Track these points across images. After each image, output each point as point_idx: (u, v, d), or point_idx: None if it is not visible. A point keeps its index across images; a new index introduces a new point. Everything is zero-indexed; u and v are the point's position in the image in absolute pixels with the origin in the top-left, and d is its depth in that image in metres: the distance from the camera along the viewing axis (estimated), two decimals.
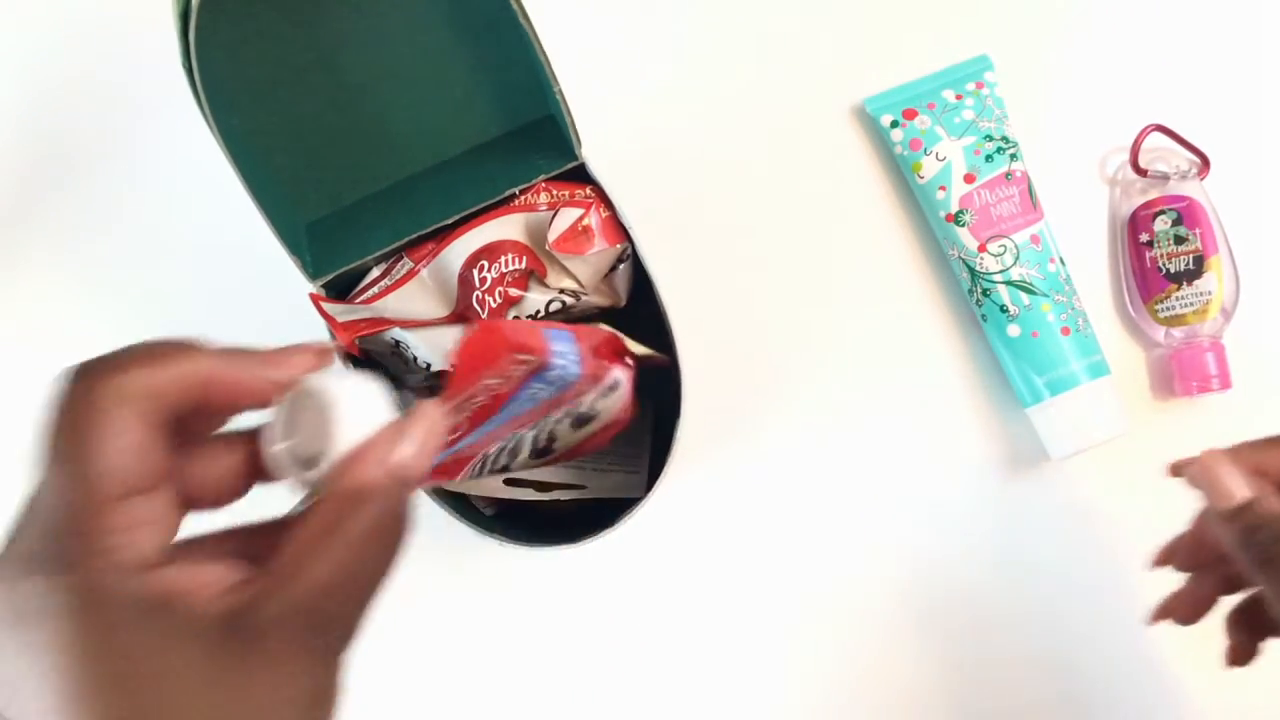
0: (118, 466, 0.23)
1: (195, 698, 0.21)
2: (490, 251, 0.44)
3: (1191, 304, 0.54)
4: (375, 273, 0.46)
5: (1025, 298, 0.54)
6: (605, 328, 0.40)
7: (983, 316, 0.55)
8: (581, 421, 0.40)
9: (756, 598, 0.55)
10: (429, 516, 0.43)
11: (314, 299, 0.45)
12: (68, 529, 0.22)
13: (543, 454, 0.41)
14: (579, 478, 0.49)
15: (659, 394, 0.45)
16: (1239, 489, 0.36)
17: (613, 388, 0.38)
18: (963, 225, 0.55)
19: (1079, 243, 0.57)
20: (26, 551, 0.22)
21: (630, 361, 0.40)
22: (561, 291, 0.45)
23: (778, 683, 0.55)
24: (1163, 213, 0.55)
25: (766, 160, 0.58)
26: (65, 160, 0.59)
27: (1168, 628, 0.42)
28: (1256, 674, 0.40)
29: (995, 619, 0.54)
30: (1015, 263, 0.54)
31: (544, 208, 0.44)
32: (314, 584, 0.23)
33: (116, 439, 0.23)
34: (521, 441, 0.39)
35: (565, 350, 0.36)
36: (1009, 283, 0.54)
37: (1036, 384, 0.54)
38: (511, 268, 0.44)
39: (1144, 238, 0.55)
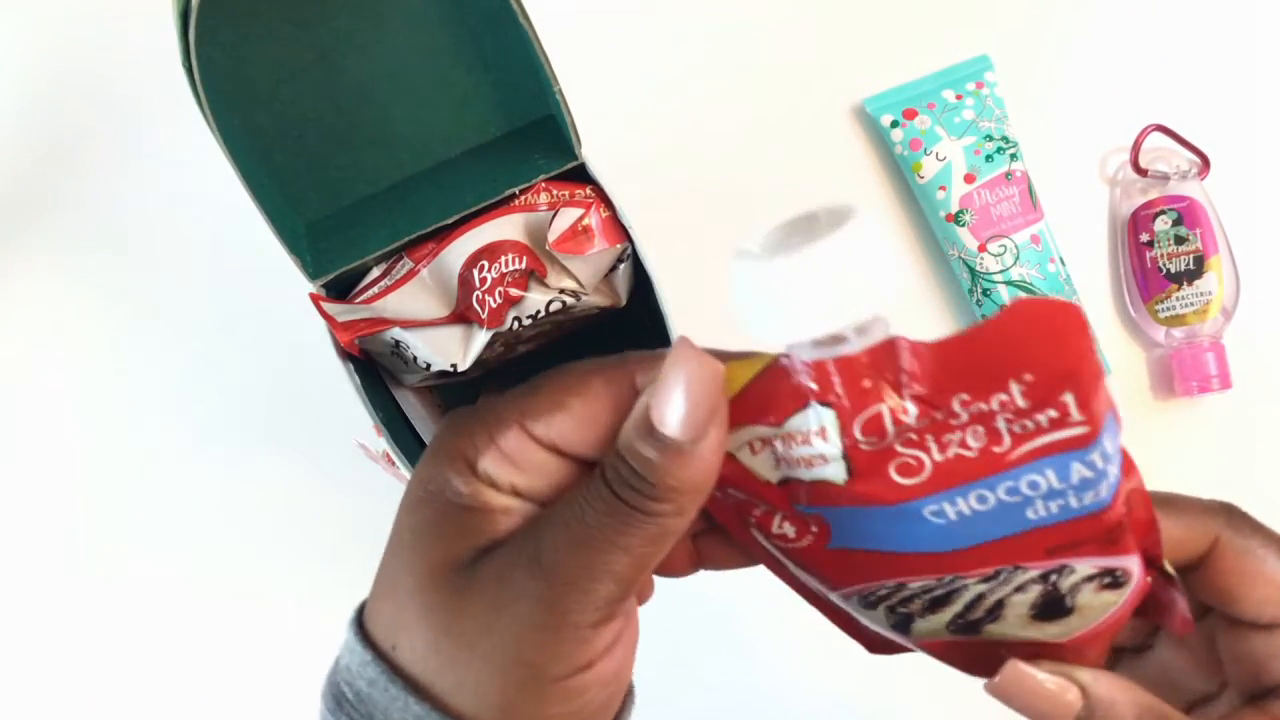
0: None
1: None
2: (490, 251, 0.44)
3: (1191, 304, 0.54)
4: (375, 273, 0.46)
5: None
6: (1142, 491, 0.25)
7: (983, 316, 0.55)
8: (1048, 609, 0.25)
9: (760, 598, 0.55)
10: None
11: (314, 299, 0.45)
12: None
13: (966, 628, 0.26)
14: None
15: None
16: (1064, 705, 0.25)
17: (1116, 580, 0.25)
18: (963, 225, 0.55)
19: (1079, 243, 0.57)
20: None
21: (1157, 572, 0.26)
22: (561, 291, 0.45)
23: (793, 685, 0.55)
24: (1163, 213, 0.55)
25: (767, 160, 0.58)
26: (64, 160, 0.59)
27: None
28: None
29: None
30: (1015, 263, 0.54)
31: (544, 208, 0.44)
32: (542, 544, 0.23)
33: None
34: (958, 593, 0.25)
35: (1113, 449, 0.23)
36: (1009, 283, 0.54)
37: None
38: (511, 268, 0.44)
39: (1144, 238, 0.55)
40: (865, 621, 0.27)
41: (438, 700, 0.24)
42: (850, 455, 0.22)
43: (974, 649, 0.26)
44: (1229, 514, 0.26)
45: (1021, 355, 0.21)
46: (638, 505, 0.23)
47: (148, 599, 0.58)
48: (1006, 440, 0.22)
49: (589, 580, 0.23)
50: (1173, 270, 0.55)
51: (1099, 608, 0.25)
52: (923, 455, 0.22)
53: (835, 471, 0.23)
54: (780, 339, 0.22)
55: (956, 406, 0.22)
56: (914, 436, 0.22)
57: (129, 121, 0.59)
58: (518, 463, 0.24)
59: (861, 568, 0.25)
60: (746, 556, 0.28)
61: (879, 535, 0.24)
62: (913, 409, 0.22)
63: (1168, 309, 0.55)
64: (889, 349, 0.22)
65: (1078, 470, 0.22)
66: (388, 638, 0.25)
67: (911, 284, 0.58)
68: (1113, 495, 0.23)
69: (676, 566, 0.29)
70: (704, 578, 0.30)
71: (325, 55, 0.44)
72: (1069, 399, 0.21)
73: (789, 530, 0.25)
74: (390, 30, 0.44)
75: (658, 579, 0.29)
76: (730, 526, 0.26)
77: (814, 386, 0.22)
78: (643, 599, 0.29)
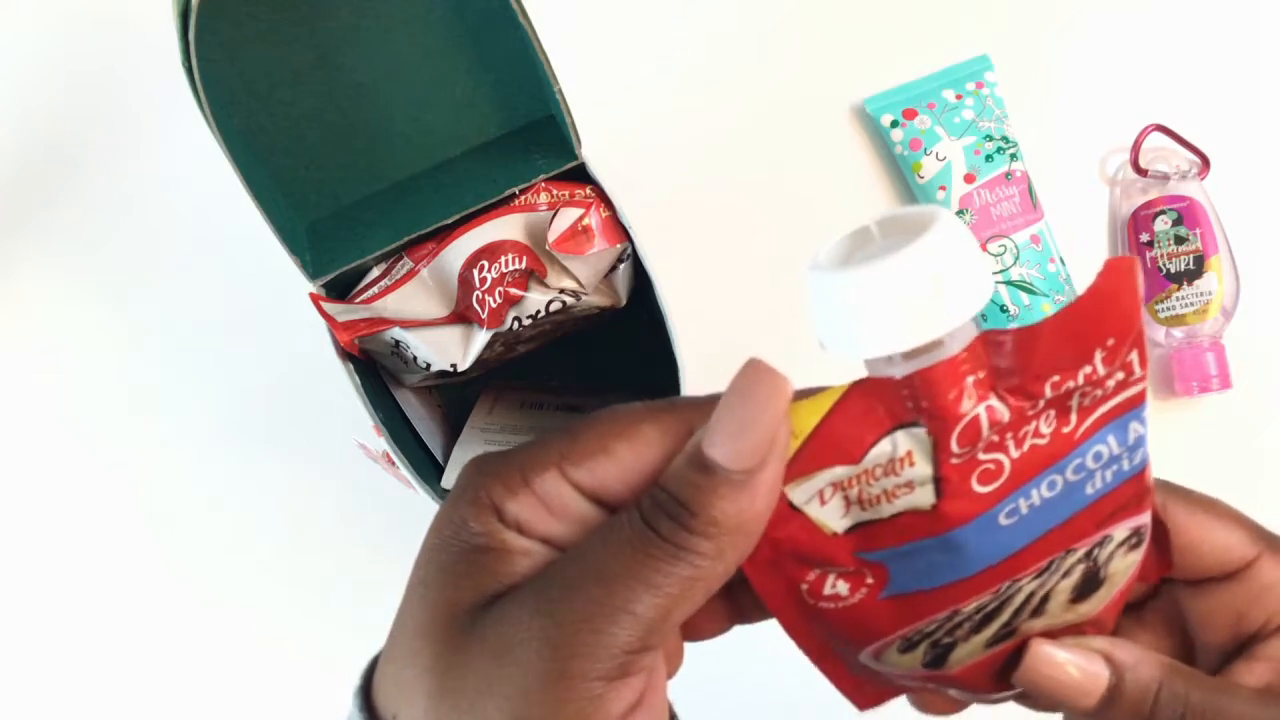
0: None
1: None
2: (490, 251, 0.44)
3: (1192, 304, 0.54)
4: (375, 273, 0.46)
5: (1025, 298, 0.54)
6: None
7: (983, 316, 0.55)
8: (1086, 587, 0.24)
9: None
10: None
11: (314, 299, 0.45)
12: None
13: (1006, 635, 0.25)
14: None
15: (659, 394, 0.45)
16: (1092, 676, 0.24)
17: (1140, 539, 0.24)
18: None
19: (1079, 243, 0.57)
20: None
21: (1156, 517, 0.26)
22: (561, 291, 0.45)
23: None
24: (1163, 213, 0.55)
25: (767, 160, 0.58)
26: (65, 161, 0.59)
27: None
28: None
29: None
30: (1015, 263, 0.54)
31: (544, 208, 0.44)
32: (548, 586, 0.21)
33: None
34: (1010, 600, 0.24)
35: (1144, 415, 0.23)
36: (1009, 283, 0.54)
37: None
38: (511, 268, 0.44)
39: (1144, 238, 0.55)
40: (885, 670, 0.26)
41: None
42: (942, 474, 0.21)
43: (995, 661, 0.26)
44: (1167, 486, 0.26)
45: (1109, 319, 0.20)
46: (670, 536, 0.20)
47: (146, 598, 0.58)
48: (1074, 417, 0.21)
49: (604, 620, 0.19)
50: (1173, 270, 0.55)
51: (1123, 571, 0.24)
52: (1001, 457, 0.21)
53: (923, 497, 0.21)
54: (875, 352, 0.21)
55: (1049, 391, 0.21)
56: (995, 438, 0.21)
57: (129, 121, 0.59)
58: (552, 509, 0.21)
59: (915, 609, 0.23)
60: (775, 616, 0.25)
61: (948, 565, 0.22)
62: (1003, 406, 0.21)
63: (1168, 309, 0.55)
64: (980, 346, 0.20)
65: (1134, 429, 0.22)
66: (389, 707, 0.22)
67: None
68: (1148, 450, 0.23)
69: (710, 625, 0.26)
70: None
71: (325, 55, 0.44)
72: (1134, 356, 0.21)
73: (842, 589, 0.23)
74: (390, 30, 0.44)
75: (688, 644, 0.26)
76: (774, 601, 0.24)
77: (907, 404, 0.21)
78: (670, 670, 0.25)
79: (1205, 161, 0.55)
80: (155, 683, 0.58)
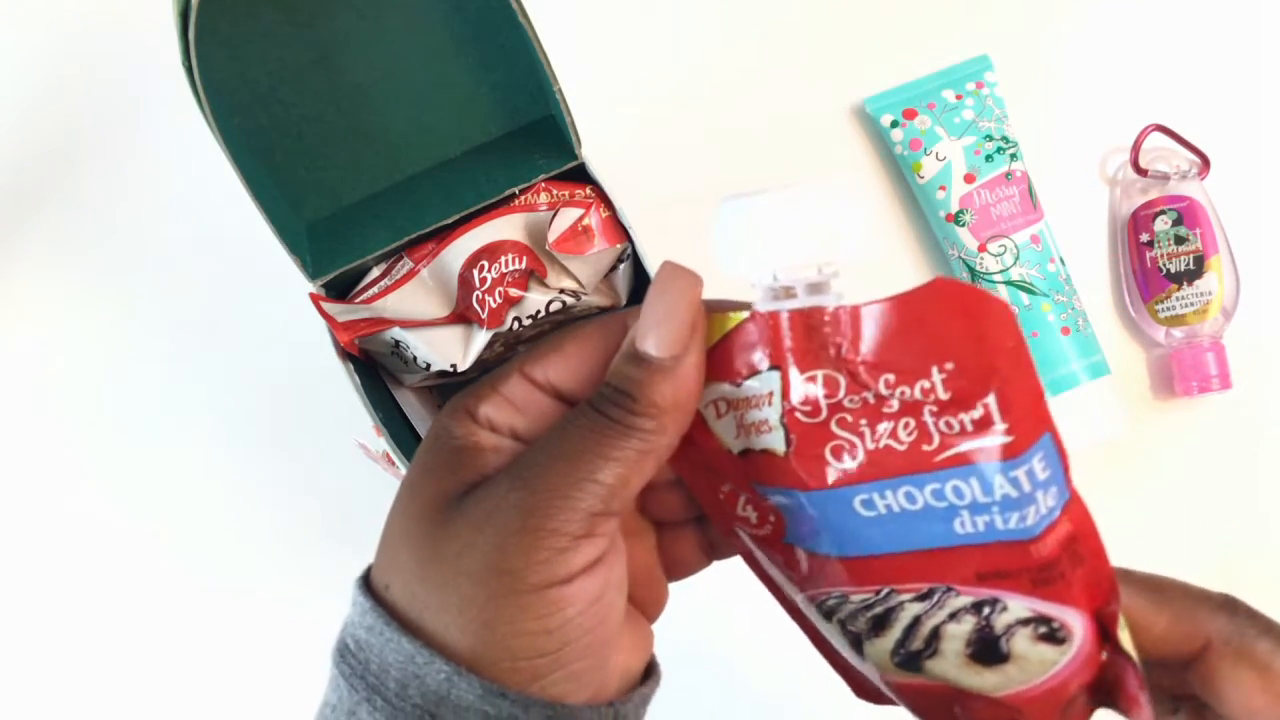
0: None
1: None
2: (490, 251, 0.44)
3: (1192, 304, 0.54)
4: (375, 273, 0.46)
5: (1025, 298, 0.54)
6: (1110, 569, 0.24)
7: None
8: (984, 650, 0.24)
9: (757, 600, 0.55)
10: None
11: (314, 299, 0.45)
12: None
13: (909, 661, 0.25)
14: None
15: None
16: None
17: (1053, 633, 0.23)
18: (963, 225, 0.55)
19: (1079, 243, 0.57)
20: None
21: (1117, 645, 0.24)
22: (561, 291, 0.45)
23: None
24: (1163, 213, 0.55)
25: (767, 160, 0.58)
26: (64, 161, 0.59)
27: None
28: None
29: None
30: (1015, 263, 0.54)
31: (544, 208, 0.45)
32: (521, 467, 0.24)
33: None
34: (895, 611, 0.24)
35: (1046, 476, 0.22)
36: (1009, 283, 0.54)
37: None
38: (511, 268, 0.44)
39: (1144, 238, 0.55)
40: (827, 634, 0.26)
41: (422, 631, 0.24)
42: (788, 424, 0.23)
43: (931, 699, 0.25)
44: (1230, 610, 0.24)
45: (941, 338, 0.21)
46: (620, 419, 0.23)
47: (146, 598, 0.58)
48: (935, 439, 0.22)
49: (572, 488, 0.23)
50: (1173, 270, 0.55)
51: (1037, 662, 0.24)
52: (856, 440, 0.23)
53: (777, 441, 0.23)
54: (740, 274, 0.23)
55: (883, 388, 0.22)
56: (848, 419, 0.23)
57: (129, 121, 0.59)
58: (517, 405, 0.26)
59: (809, 570, 0.25)
60: (728, 546, 0.28)
61: (817, 531, 0.24)
62: (844, 381, 0.22)
63: (1168, 309, 0.55)
64: (832, 314, 0.22)
65: (1000, 484, 0.22)
66: (381, 580, 0.26)
67: (880, 253, 0.58)
68: (1042, 528, 0.22)
69: (690, 560, 0.29)
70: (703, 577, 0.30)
71: (325, 55, 0.44)
72: (991, 401, 0.21)
73: (751, 515, 0.25)
74: (390, 30, 0.44)
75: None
76: (704, 501, 0.26)
77: (766, 347, 0.23)
78: (656, 608, 0.29)
79: (1205, 161, 0.55)
80: (152, 682, 0.58)
